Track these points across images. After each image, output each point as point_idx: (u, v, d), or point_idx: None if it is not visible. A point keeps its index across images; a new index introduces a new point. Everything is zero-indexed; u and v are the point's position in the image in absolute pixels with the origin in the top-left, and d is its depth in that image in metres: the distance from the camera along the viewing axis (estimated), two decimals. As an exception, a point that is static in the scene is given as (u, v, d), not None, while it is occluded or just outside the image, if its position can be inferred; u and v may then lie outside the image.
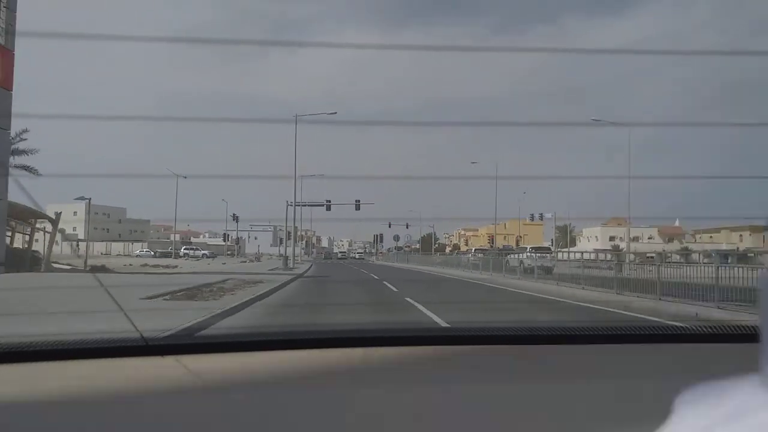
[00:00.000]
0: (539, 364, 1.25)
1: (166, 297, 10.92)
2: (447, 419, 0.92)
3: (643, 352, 1.32)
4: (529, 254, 25.20)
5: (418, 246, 74.97)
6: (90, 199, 39.41)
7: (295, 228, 49.89)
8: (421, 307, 10.95)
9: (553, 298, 14.34)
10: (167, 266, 30.57)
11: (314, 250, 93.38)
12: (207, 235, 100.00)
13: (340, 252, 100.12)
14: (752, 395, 0.41)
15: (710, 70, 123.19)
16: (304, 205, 48.44)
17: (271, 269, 27.68)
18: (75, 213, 55.96)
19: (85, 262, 28.35)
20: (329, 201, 48.38)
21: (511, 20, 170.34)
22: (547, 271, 20.83)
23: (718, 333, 1.35)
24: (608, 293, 14.23)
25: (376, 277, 23.72)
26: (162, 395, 1.01)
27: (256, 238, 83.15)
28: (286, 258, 34.32)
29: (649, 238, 71.23)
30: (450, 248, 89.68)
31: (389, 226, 70.68)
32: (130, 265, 31.22)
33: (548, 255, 26.88)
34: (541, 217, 65.26)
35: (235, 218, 68.38)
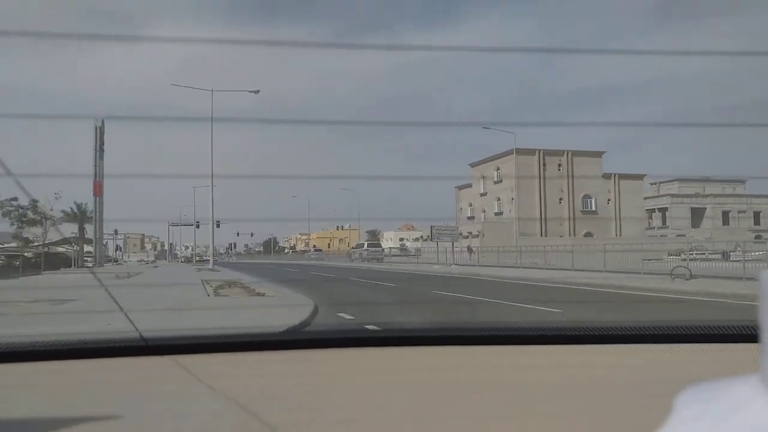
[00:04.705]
0: (538, 363, 1.25)
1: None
2: (439, 421, 0.90)
3: (642, 351, 1.31)
4: (290, 252, 59.07)
5: (260, 249, 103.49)
6: None
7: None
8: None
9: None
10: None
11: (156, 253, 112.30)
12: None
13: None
14: (752, 395, 0.41)
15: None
16: (182, 225, 72.14)
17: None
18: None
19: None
20: (198, 221, 73.82)
21: (350, 26, 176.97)
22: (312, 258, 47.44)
23: (718, 333, 1.33)
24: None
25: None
26: (162, 395, 1.02)
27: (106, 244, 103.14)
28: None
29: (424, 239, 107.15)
30: (289, 249, 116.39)
31: (237, 235, 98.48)
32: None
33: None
34: (342, 227, 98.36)
35: (116, 233, 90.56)
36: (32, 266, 37.85)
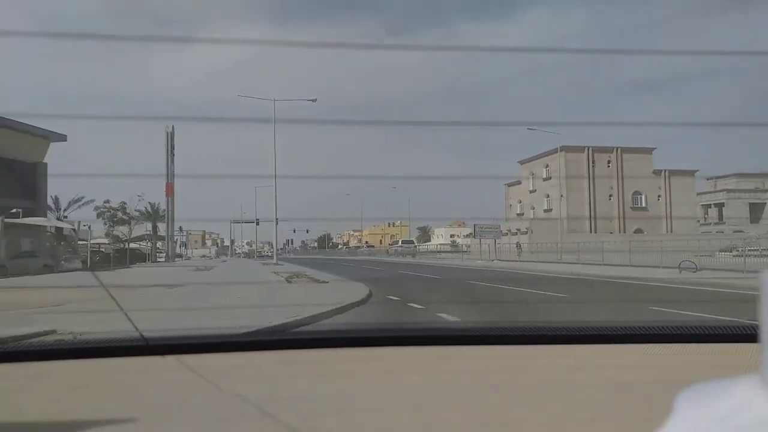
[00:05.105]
0: (542, 363, 1.25)
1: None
2: (450, 420, 0.90)
3: (643, 351, 1.31)
4: (343, 248, 65.06)
5: (315, 245, 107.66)
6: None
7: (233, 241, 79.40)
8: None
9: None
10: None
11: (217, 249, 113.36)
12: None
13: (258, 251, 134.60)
14: (752, 395, 0.41)
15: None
16: (243, 223, 76.36)
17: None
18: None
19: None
20: (258, 219, 77.67)
21: (403, 22, 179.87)
22: (364, 253, 53.39)
23: (718, 333, 1.33)
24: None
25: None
26: (162, 395, 1.02)
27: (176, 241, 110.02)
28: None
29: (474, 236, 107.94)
30: (342, 245, 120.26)
31: (294, 231, 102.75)
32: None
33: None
34: (393, 223, 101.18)
35: (181, 230, 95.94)
36: (117, 261, 42.15)
